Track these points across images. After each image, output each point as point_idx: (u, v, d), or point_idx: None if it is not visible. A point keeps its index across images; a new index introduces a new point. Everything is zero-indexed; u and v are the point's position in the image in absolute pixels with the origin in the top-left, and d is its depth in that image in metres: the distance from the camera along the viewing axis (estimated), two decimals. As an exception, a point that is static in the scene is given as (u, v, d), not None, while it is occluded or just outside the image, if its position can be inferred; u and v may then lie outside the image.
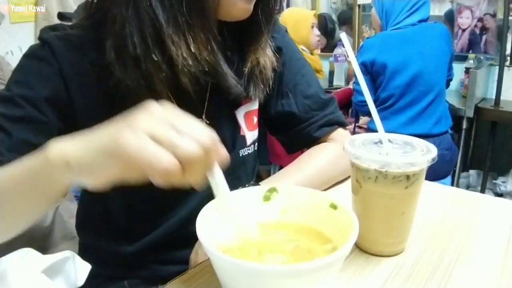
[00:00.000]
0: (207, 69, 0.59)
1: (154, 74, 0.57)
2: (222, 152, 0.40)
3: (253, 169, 0.82)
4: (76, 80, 0.60)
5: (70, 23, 0.62)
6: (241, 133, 0.74)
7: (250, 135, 0.76)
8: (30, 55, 0.61)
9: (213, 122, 0.68)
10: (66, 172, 0.41)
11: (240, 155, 0.75)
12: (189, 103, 0.59)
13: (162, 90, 0.59)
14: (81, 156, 0.40)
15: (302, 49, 2.58)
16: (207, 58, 0.58)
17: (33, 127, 0.58)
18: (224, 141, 0.71)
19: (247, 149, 0.76)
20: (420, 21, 1.94)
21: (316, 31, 2.73)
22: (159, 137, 0.36)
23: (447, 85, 2.21)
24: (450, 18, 2.78)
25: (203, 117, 0.68)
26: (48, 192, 0.49)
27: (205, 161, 0.38)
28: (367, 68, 2.00)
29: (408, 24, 1.94)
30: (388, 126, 1.95)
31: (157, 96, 0.57)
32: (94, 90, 0.61)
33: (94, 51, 0.59)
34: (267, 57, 0.69)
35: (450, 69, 2.08)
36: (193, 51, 0.57)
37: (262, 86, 0.70)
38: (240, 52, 0.69)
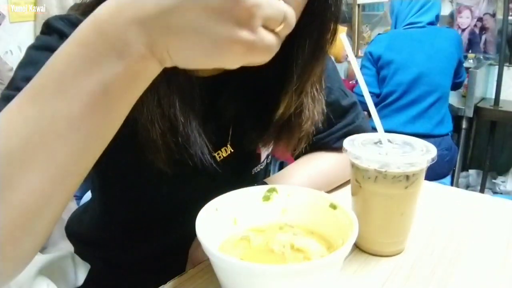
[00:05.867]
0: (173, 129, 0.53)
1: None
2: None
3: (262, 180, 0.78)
4: None
5: (80, 11, 0.56)
6: (257, 151, 0.70)
7: (265, 150, 0.72)
8: (39, 47, 0.55)
9: (237, 149, 0.66)
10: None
11: (253, 173, 0.71)
12: (215, 131, 0.59)
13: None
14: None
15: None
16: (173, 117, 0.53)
17: None
18: (240, 162, 0.68)
19: (260, 166, 0.73)
20: (429, 23, 2.01)
21: None
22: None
23: (457, 87, 2.26)
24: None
25: (228, 144, 0.65)
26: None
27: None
28: (373, 59, 2.04)
29: (416, 24, 2.00)
30: (389, 124, 1.95)
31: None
32: None
33: None
34: (311, 105, 0.60)
35: (458, 72, 2.10)
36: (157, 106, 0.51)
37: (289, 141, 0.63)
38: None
